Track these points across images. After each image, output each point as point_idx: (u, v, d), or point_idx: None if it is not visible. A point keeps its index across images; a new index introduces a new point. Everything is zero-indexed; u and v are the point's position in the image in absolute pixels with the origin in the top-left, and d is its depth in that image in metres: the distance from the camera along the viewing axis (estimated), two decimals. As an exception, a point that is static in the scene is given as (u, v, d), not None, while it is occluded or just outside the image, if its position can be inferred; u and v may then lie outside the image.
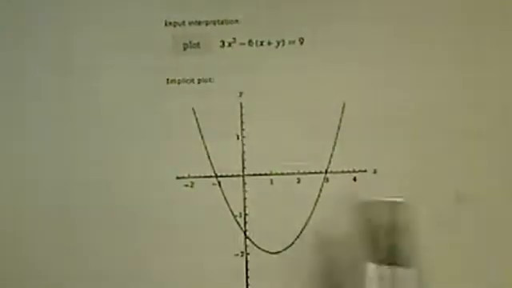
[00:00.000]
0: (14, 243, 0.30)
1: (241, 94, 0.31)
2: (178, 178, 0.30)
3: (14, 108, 0.31)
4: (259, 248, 0.30)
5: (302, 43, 0.31)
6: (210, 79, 0.31)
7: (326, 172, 0.30)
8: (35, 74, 0.31)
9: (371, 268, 0.29)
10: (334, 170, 0.30)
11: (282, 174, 0.30)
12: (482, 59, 0.31)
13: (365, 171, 0.30)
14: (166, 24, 0.31)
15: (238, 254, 0.30)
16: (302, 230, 0.30)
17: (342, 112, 0.30)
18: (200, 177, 0.30)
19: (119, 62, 0.31)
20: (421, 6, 0.31)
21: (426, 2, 0.31)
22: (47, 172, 0.30)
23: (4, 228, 0.30)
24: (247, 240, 0.30)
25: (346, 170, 0.30)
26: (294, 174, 0.30)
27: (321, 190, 0.30)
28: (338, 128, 0.30)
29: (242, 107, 0.31)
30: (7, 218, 0.30)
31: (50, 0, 0.31)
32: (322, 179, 0.30)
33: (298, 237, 0.30)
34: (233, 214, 0.30)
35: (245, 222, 0.30)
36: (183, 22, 0.31)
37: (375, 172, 0.30)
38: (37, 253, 0.30)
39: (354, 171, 0.30)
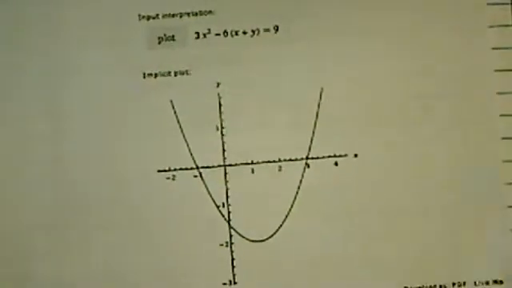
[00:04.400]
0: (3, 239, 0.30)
1: (218, 84, 0.31)
2: (159, 171, 0.30)
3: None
4: (243, 237, 0.30)
5: (276, 31, 0.31)
6: (186, 71, 0.31)
7: (307, 158, 0.30)
8: (11, 73, 0.31)
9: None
10: (314, 155, 0.30)
11: (263, 162, 0.30)
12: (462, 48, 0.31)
13: (345, 156, 0.30)
14: (139, 18, 0.31)
15: (222, 244, 0.30)
16: (286, 216, 0.30)
17: (320, 97, 0.31)
18: (181, 169, 0.30)
19: (94, 57, 0.31)
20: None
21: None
22: (28, 169, 0.30)
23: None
24: (231, 229, 0.30)
25: (326, 155, 0.30)
26: (274, 161, 0.30)
27: (302, 176, 0.30)
28: (317, 113, 0.30)
29: (219, 98, 0.31)
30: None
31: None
32: (304, 165, 0.30)
33: (282, 224, 0.30)
34: (216, 204, 0.30)
35: (228, 212, 0.30)
36: (157, 15, 0.31)
37: (356, 156, 0.30)
38: (21, 246, 0.30)
39: (335, 156, 0.30)
